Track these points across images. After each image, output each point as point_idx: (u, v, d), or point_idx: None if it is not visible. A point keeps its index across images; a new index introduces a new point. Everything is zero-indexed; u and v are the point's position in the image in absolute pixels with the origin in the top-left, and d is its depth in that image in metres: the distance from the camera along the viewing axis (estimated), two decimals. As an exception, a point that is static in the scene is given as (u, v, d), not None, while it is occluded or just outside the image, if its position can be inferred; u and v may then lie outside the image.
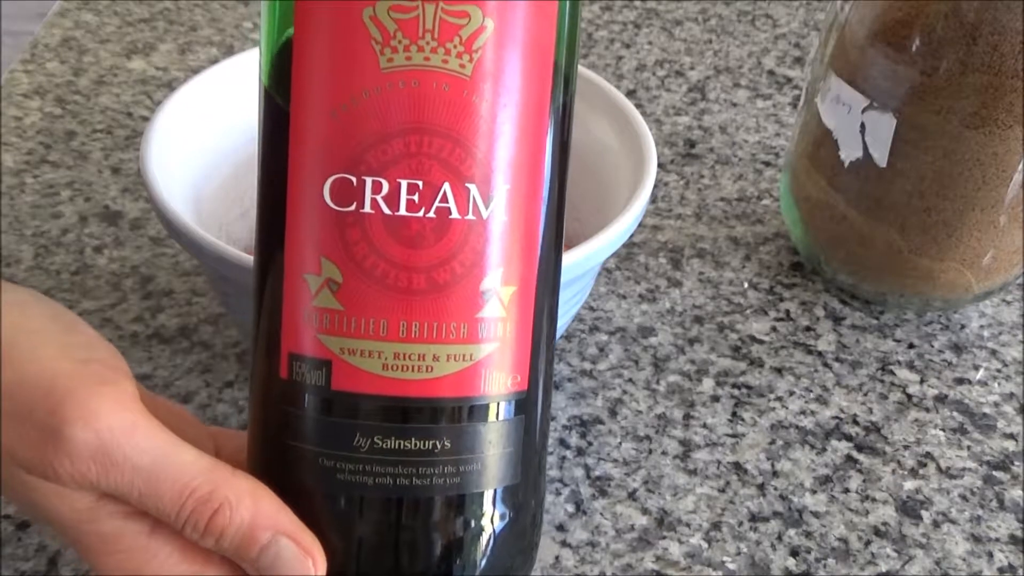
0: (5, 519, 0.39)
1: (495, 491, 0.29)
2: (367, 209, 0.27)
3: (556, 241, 0.30)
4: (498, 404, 0.29)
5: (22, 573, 0.37)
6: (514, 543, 0.30)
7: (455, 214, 0.27)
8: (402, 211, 0.27)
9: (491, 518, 0.29)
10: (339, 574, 0.29)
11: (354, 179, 0.27)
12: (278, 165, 0.28)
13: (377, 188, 0.27)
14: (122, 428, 0.27)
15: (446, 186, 0.27)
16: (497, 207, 0.27)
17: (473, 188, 0.27)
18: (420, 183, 0.27)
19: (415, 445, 0.28)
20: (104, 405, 0.27)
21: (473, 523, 0.29)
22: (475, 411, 0.28)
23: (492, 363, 0.28)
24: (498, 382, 0.28)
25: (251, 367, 0.30)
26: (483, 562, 0.30)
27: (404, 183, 0.27)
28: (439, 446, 0.28)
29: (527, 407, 0.29)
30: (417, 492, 0.28)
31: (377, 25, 0.26)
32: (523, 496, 0.30)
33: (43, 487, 0.27)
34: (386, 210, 0.27)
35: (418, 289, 0.27)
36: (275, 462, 0.29)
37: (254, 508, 0.28)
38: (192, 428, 0.31)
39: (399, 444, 0.28)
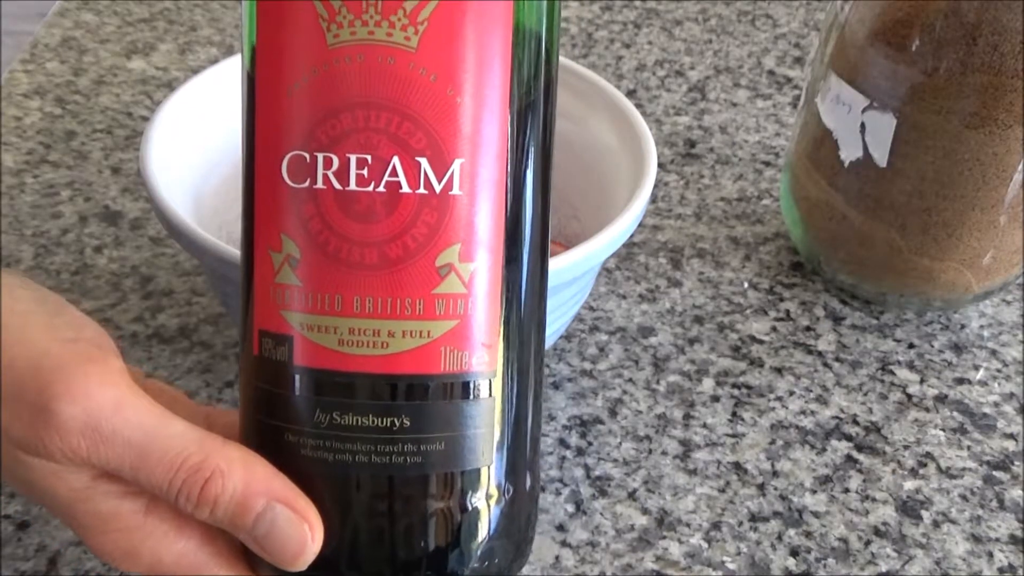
0: (5, 519, 0.39)
1: (463, 473, 0.29)
2: (319, 185, 0.27)
3: (536, 219, 0.30)
4: (461, 383, 0.28)
5: (22, 573, 0.37)
6: (493, 531, 0.30)
7: (405, 188, 0.27)
8: (352, 186, 0.27)
9: (462, 501, 0.29)
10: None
11: (307, 155, 0.27)
12: (249, 145, 0.28)
13: (328, 164, 0.27)
14: (110, 403, 0.27)
15: (395, 160, 0.27)
16: (451, 181, 0.27)
17: (424, 162, 0.27)
18: (369, 157, 0.27)
19: (372, 422, 0.28)
20: (91, 381, 0.27)
21: (439, 505, 0.29)
22: (435, 389, 0.28)
23: (452, 341, 0.28)
24: (460, 360, 0.28)
25: (239, 346, 0.31)
26: (455, 548, 0.29)
27: (353, 158, 0.27)
28: (398, 424, 0.28)
29: (498, 388, 0.29)
30: (377, 470, 0.28)
31: (324, 3, 0.26)
32: (501, 481, 0.29)
33: (39, 467, 0.27)
34: (337, 185, 0.27)
35: (370, 264, 0.27)
36: (252, 438, 0.29)
37: (247, 475, 0.28)
38: (184, 407, 0.31)
39: (357, 420, 0.28)
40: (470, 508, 0.29)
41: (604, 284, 0.52)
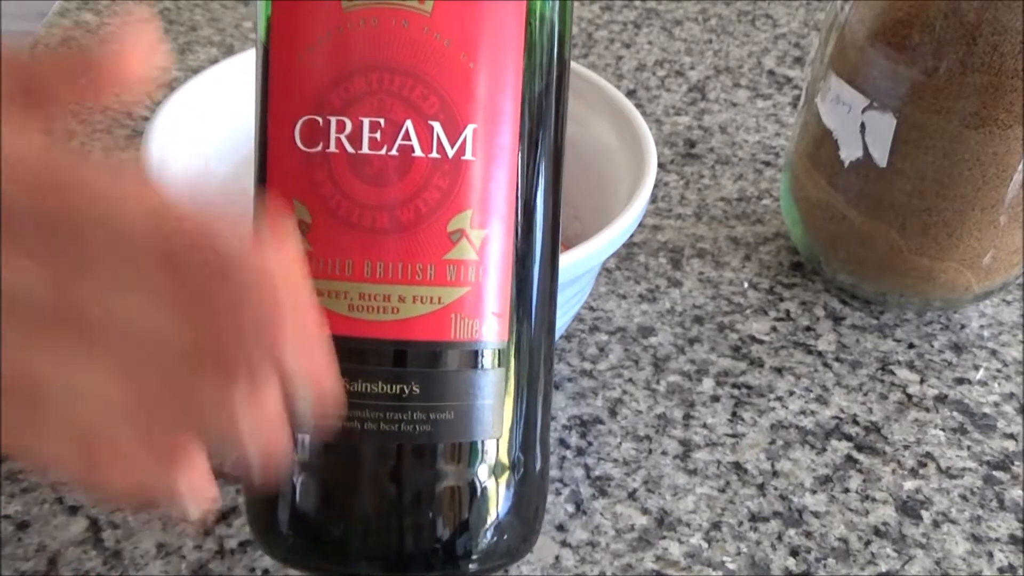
0: (5, 519, 0.39)
1: (471, 444, 0.28)
2: (332, 148, 0.27)
3: (550, 188, 0.29)
4: (472, 352, 0.28)
5: (22, 573, 0.37)
6: (502, 507, 0.29)
7: (418, 152, 0.27)
8: (365, 149, 0.27)
9: (470, 473, 0.28)
10: (315, 514, 0.28)
11: (320, 119, 0.27)
12: (262, 114, 0.28)
13: (340, 127, 0.27)
14: None
15: (408, 123, 0.26)
16: (464, 146, 0.27)
17: (437, 126, 0.26)
18: (382, 121, 0.26)
19: (382, 389, 0.27)
20: None
21: (448, 475, 0.28)
22: (446, 357, 0.27)
23: (464, 308, 0.27)
24: (471, 328, 0.28)
25: None
26: (464, 520, 0.29)
27: (366, 121, 0.26)
28: (407, 391, 0.27)
29: (509, 360, 0.28)
30: (386, 438, 0.27)
31: None
32: (511, 456, 0.29)
33: None
34: (349, 149, 0.27)
35: (382, 228, 0.27)
36: None
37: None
38: None
39: (366, 387, 0.27)
40: (479, 481, 0.28)
41: (604, 284, 0.52)
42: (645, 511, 0.41)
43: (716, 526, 0.40)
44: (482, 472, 0.29)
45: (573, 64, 0.48)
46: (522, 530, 0.30)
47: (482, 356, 0.28)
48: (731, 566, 0.39)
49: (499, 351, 0.28)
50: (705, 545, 0.40)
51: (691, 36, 0.75)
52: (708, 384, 0.47)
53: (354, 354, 0.27)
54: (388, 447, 0.28)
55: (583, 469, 0.42)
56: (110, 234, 0.21)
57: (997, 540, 0.41)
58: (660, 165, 0.61)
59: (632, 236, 0.54)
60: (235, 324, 0.21)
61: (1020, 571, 0.40)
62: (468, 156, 0.27)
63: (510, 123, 0.27)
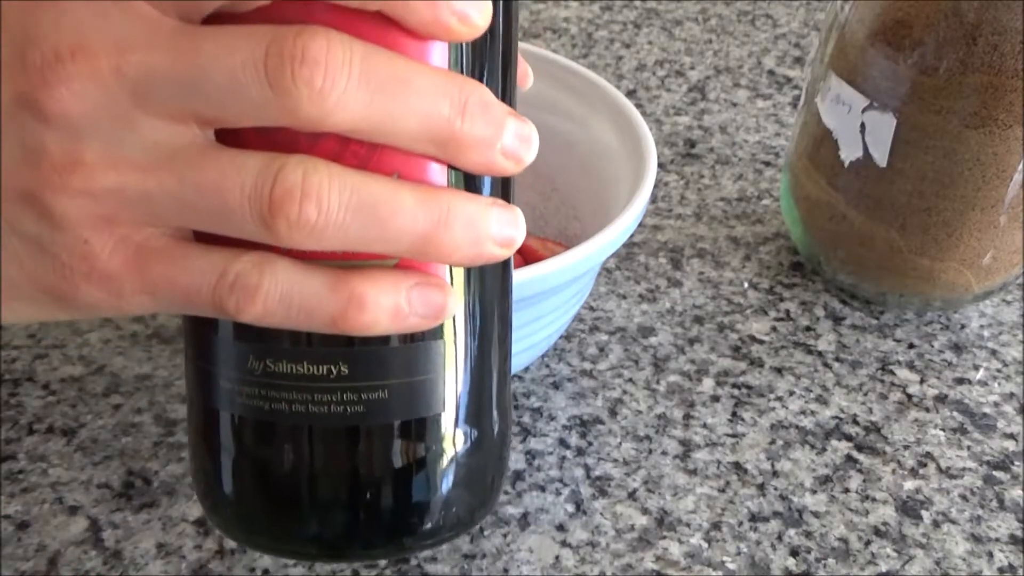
0: (5, 519, 0.39)
1: (413, 423, 0.27)
2: None
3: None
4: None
5: (22, 573, 0.37)
6: (451, 482, 0.28)
7: None
8: None
9: (412, 452, 0.27)
10: (253, 495, 0.28)
11: None
12: None
13: None
14: None
15: None
16: None
17: None
18: None
19: (308, 370, 0.25)
20: None
21: (387, 457, 0.27)
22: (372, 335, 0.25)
23: None
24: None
25: None
26: (407, 502, 0.27)
27: None
28: (335, 371, 0.25)
29: (449, 331, 0.26)
30: (315, 420, 0.26)
31: None
32: (460, 429, 0.27)
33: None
34: None
35: None
36: (193, 385, 0.28)
37: None
38: None
39: (291, 368, 0.26)
40: (422, 459, 0.27)
41: (604, 284, 0.52)
42: (645, 511, 0.41)
43: (716, 526, 0.40)
44: (423, 448, 0.27)
45: (573, 64, 0.48)
46: (474, 500, 0.29)
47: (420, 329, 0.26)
48: (731, 566, 0.39)
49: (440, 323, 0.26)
50: (705, 545, 0.40)
51: (691, 36, 0.75)
52: (708, 384, 0.47)
53: (279, 335, 0.26)
54: (319, 430, 0.26)
55: (583, 469, 0.42)
56: None
57: (997, 540, 0.41)
58: (660, 165, 0.61)
59: (632, 236, 0.54)
60: None
61: (1020, 571, 0.40)
62: None
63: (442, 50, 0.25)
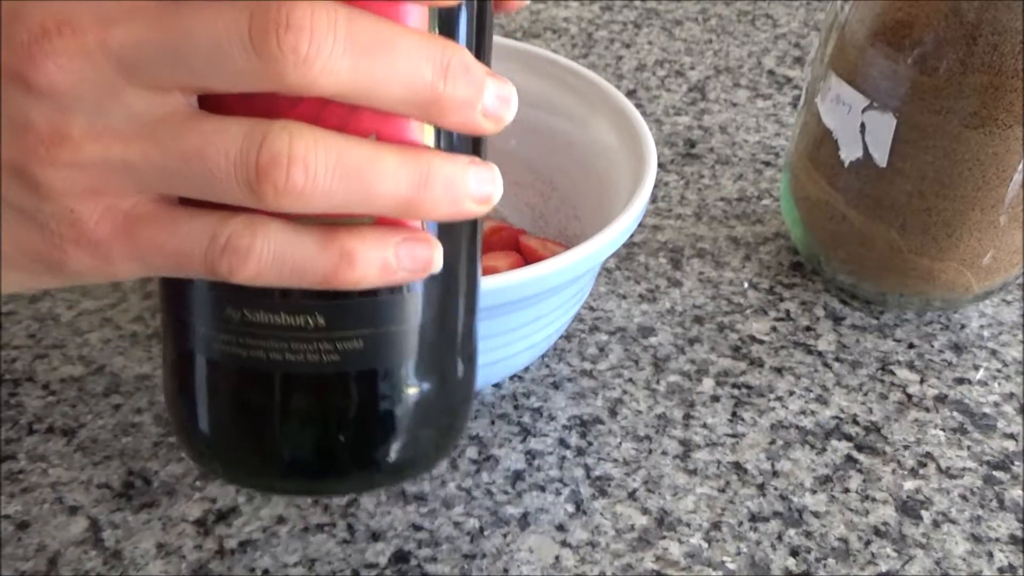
0: (5, 519, 0.39)
1: (384, 371, 0.28)
2: None
3: None
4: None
5: (22, 573, 0.37)
6: (414, 424, 0.29)
7: None
8: None
9: (381, 399, 0.28)
10: (228, 433, 0.29)
11: None
12: None
13: None
14: None
15: None
16: None
17: None
18: None
19: (285, 320, 0.26)
20: None
21: (359, 403, 0.28)
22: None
23: None
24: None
25: None
26: (374, 443, 0.28)
27: None
28: (311, 322, 0.26)
29: (419, 282, 0.27)
30: (292, 368, 0.27)
31: None
32: (426, 375, 0.28)
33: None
34: None
35: None
36: (168, 327, 0.28)
37: None
38: None
39: (268, 319, 0.26)
40: (392, 403, 0.28)
41: (604, 284, 0.52)
42: (645, 511, 0.41)
43: (716, 526, 0.40)
44: (394, 393, 0.28)
45: (573, 64, 0.48)
46: (439, 439, 0.30)
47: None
48: (731, 566, 0.39)
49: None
50: (705, 545, 0.40)
51: (691, 36, 0.76)
52: (708, 384, 0.47)
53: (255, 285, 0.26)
54: (295, 378, 0.27)
55: (583, 469, 0.42)
56: None
57: (997, 540, 0.41)
58: (660, 165, 0.61)
59: (632, 236, 0.54)
60: None
61: (1020, 571, 0.40)
62: None
63: None
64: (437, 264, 0.26)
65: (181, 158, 0.23)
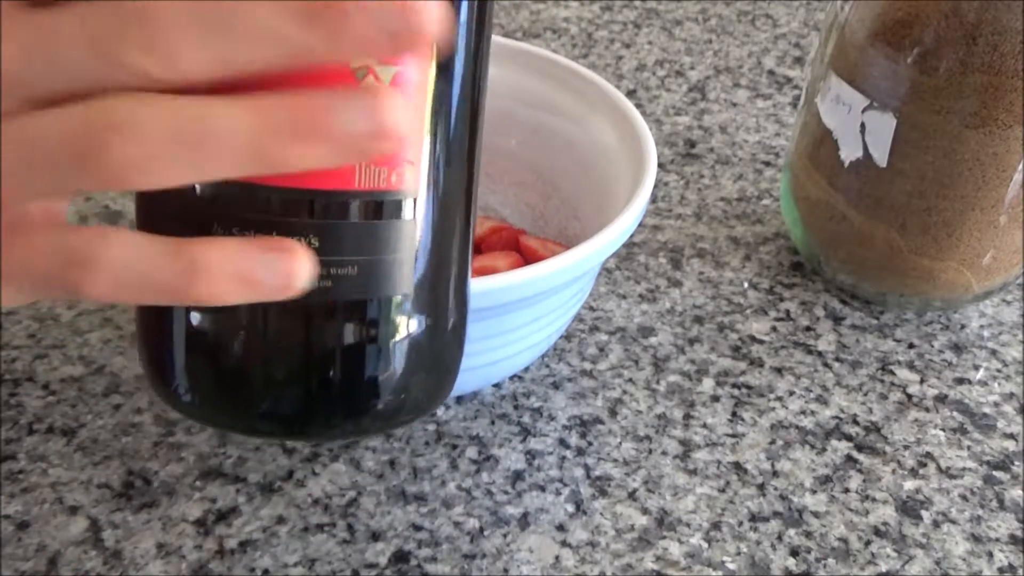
0: (5, 519, 0.39)
1: (378, 302, 0.27)
2: None
3: (472, 23, 0.27)
4: (378, 202, 0.26)
5: (22, 573, 0.37)
6: (409, 364, 0.28)
7: None
8: None
9: (375, 331, 0.27)
10: (212, 370, 0.27)
11: None
12: None
13: None
14: None
15: None
16: None
17: None
18: None
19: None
20: None
21: (351, 334, 0.27)
22: (348, 208, 0.25)
23: None
24: (378, 176, 0.25)
25: None
26: (366, 378, 0.27)
27: None
28: (306, 244, 0.25)
29: (420, 212, 0.27)
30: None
31: None
32: (420, 313, 0.28)
33: None
34: None
35: None
36: None
37: None
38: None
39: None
40: (384, 339, 0.27)
41: (604, 284, 0.52)
42: (645, 511, 0.41)
43: (716, 526, 0.40)
44: (386, 329, 0.27)
45: (573, 64, 0.48)
46: (429, 386, 0.29)
47: (390, 207, 0.26)
48: (731, 566, 0.39)
49: (410, 201, 0.26)
50: (705, 545, 0.40)
51: (691, 36, 0.76)
52: (708, 384, 0.47)
53: (247, 201, 0.25)
54: (285, 304, 0.25)
55: (583, 469, 0.42)
56: None
57: (997, 540, 0.41)
58: (660, 165, 0.61)
59: (632, 236, 0.54)
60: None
61: (1020, 571, 0.40)
62: None
63: None
64: (303, 276, 0.24)
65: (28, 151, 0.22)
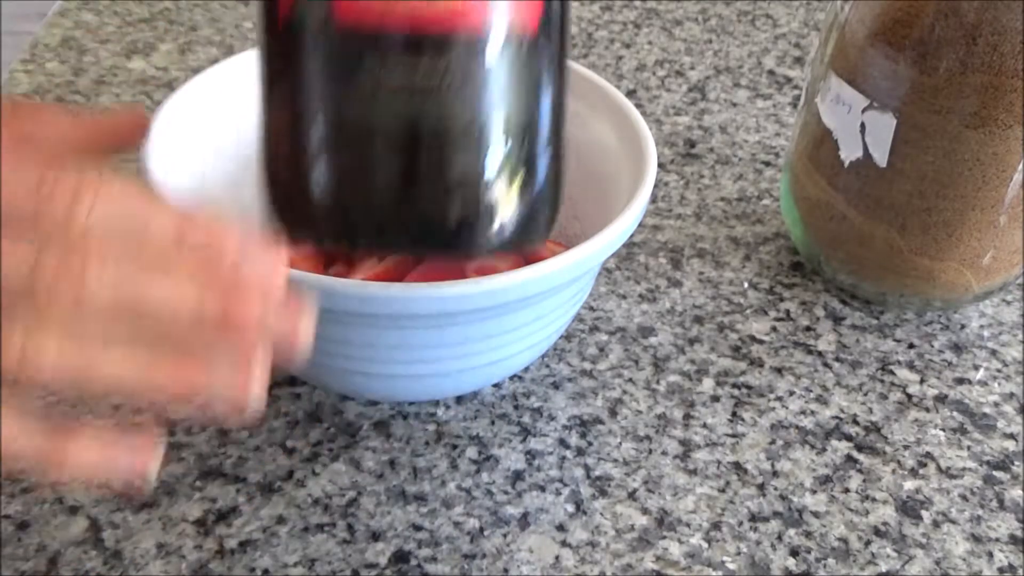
0: (5, 519, 0.39)
1: (486, 134, 0.29)
2: None
3: None
4: (509, 43, 0.28)
5: (22, 573, 0.37)
6: (526, 196, 0.30)
7: None
8: None
9: (481, 163, 0.29)
10: (333, 191, 0.29)
11: None
12: None
13: None
14: None
15: None
16: None
17: None
18: None
19: (400, 80, 0.27)
20: None
21: (459, 163, 0.29)
22: (468, 43, 0.27)
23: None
24: (505, 20, 0.27)
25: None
26: (484, 210, 0.29)
27: None
28: (430, 80, 0.27)
29: (534, 50, 0.29)
30: (401, 123, 0.28)
31: None
32: (525, 149, 0.30)
33: None
34: None
35: None
36: (279, 96, 0.29)
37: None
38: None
39: (384, 76, 0.27)
40: (491, 171, 0.29)
41: (604, 284, 0.52)
42: (645, 511, 0.41)
43: (716, 526, 0.40)
44: (494, 163, 0.29)
45: (573, 64, 0.48)
46: (531, 221, 0.31)
47: (519, 48, 0.28)
48: (731, 566, 0.39)
49: (526, 40, 0.28)
50: (705, 545, 0.40)
51: (691, 36, 0.75)
52: (708, 384, 0.47)
53: (390, 42, 0.27)
54: (404, 135, 0.28)
55: (583, 469, 0.42)
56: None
57: (997, 540, 0.41)
58: (660, 165, 0.61)
59: (632, 236, 0.54)
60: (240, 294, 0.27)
61: (1020, 571, 0.40)
62: None
63: None
64: (149, 478, 0.28)
65: None
